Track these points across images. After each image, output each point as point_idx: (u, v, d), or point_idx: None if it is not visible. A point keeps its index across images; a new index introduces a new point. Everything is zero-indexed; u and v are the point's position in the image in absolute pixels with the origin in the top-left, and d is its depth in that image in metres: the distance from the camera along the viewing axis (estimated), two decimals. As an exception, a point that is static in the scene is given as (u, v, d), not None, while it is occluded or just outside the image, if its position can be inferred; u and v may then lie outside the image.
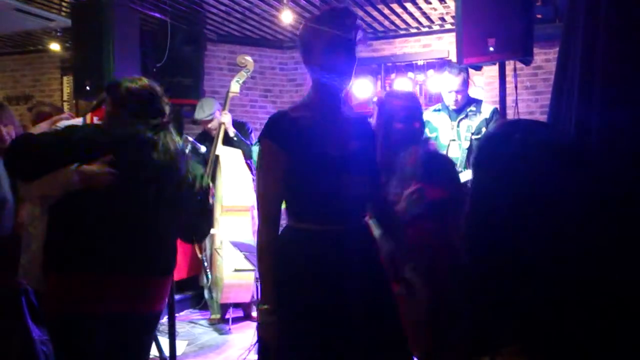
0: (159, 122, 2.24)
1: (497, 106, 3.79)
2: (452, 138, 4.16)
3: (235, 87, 4.91)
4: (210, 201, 2.40)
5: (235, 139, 4.88)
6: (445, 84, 4.18)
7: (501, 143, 1.00)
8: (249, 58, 4.95)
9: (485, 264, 0.96)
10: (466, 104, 4.15)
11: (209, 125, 5.05)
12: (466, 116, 4.11)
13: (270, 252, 1.85)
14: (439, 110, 4.24)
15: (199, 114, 5.06)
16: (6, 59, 7.13)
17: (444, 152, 4.11)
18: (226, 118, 4.85)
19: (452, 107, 4.14)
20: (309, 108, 1.96)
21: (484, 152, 1.04)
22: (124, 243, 2.09)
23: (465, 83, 4.09)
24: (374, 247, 2.04)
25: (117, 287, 2.07)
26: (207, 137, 5.03)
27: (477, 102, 4.21)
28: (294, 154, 1.86)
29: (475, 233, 0.99)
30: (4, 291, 1.62)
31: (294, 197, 1.91)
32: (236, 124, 4.96)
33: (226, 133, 4.85)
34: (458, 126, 4.16)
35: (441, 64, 5.98)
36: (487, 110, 4.14)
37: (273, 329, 1.84)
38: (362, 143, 1.99)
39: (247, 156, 4.86)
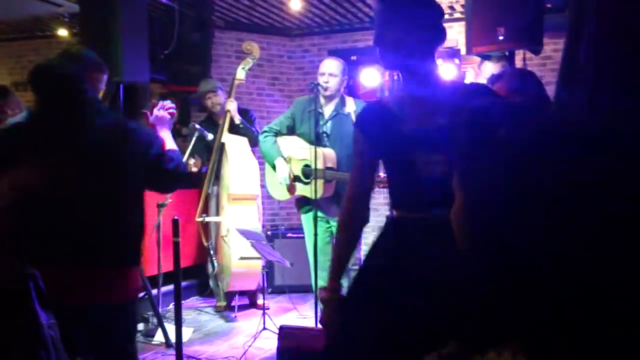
0: (79, 104, 2.11)
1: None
2: None
3: (240, 74, 4.90)
4: (172, 164, 2.25)
5: (241, 126, 4.88)
6: (484, 71, 4.09)
7: (483, 148, 0.96)
8: (255, 45, 4.93)
9: (485, 261, 0.95)
10: None
11: (212, 106, 5.06)
12: None
13: (341, 230, 1.96)
14: None
15: (203, 87, 5.13)
16: (13, 44, 7.13)
17: None
18: (232, 105, 4.85)
19: None
20: (398, 93, 1.98)
21: (466, 152, 1.00)
22: (73, 235, 2.04)
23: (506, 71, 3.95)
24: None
25: (71, 279, 2.02)
26: (213, 125, 5.03)
27: None
28: (373, 138, 1.89)
29: (474, 229, 0.97)
30: (11, 275, 1.63)
31: (388, 182, 1.97)
32: (240, 111, 4.95)
33: (232, 121, 4.85)
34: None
35: (450, 53, 5.94)
36: None
37: (331, 308, 1.90)
38: (450, 118, 1.74)
39: (253, 143, 4.86)
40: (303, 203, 4.18)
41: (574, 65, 1.01)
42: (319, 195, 3.84)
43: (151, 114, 2.63)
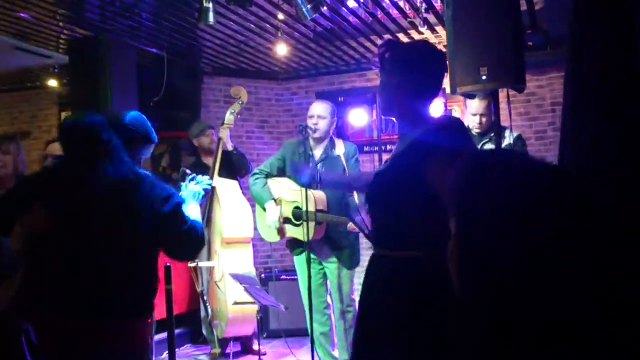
0: (95, 153, 2.13)
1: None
2: None
3: (229, 118, 4.96)
4: (185, 225, 2.21)
5: (234, 152, 4.92)
6: (470, 107, 4.16)
7: (479, 184, 0.98)
8: (242, 89, 5.01)
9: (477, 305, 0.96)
10: (490, 129, 4.09)
11: (206, 144, 5.10)
12: (489, 140, 4.07)
13: None
14: None
15: (195, 130, 5.23)
16: (3, 95, 7.18)
17: None
18: (224, 133, 4.88)
19: (476, 130, 4.09)
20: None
21: (463, 195, 1.02)
22: (77, 287, 2.03)
23: (491, 107, 3.99)
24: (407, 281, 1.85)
25: (76, 331, 2.00)
26: (202, 168, 5.05)
27: (502, 128, 4.11)
28: None
29: (467, 279, 0.99)
30: (4, 330, 1.61)
31: None
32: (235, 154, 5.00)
33: (224, 154, 4.89)
34: (481, 149, 4.10)
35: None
36: (510, 136, 4.07)
37: None
38: (404, 160, 1.91)
39: (245, 172, 4.89)
40: (295, 245, 4.17)
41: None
42: (310, 237, 3.84)
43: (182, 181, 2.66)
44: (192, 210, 2.40)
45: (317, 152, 4.17)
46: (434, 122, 2.01)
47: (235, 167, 4.95)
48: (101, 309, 2.04)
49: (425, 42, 2.08)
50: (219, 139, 4.89)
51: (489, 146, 4.09)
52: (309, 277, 3.79)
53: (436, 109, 5.90)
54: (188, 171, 4.91)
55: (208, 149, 5.18)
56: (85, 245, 2.05)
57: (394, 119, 2.15)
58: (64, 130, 2.23)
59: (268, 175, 4.28)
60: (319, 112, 4.16)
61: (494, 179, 0.95)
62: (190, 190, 2.60)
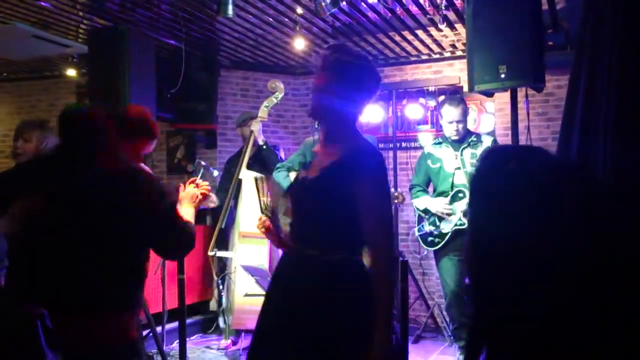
0: (92, 144, 2.10)
1: (509, 133, 3.85)
2: (457, 166, 4.33)
3: (263, 112, 4.97)
4: (178, 225, 2.17)
5: (264, 147, 4.95)
6: (445, 115, 4.41)
7: (493, 176, 0.98)
8: (280, 84, 5.00)
9: (485, 295, 0.95)
10: (467, 135, 4.39)
11: (247, 135, 5.16)
12: (468, 145, 4.36)
13: None
14: (439, 143, 4.51)
15: (238, 121, 5.34)
16: (23, 84, 7.25)
17: (450, 181, 4.30)
18: (256, 126, 4.91)
19: (454, 137, 4.36)
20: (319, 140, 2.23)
21: (476, 186, 1.02)
22: (66, 278, 2.00)
23: (465, 114, 4.36)
24: (340, 286, 1.96)
25: (64, 324, 1.91)
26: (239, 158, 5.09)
27: (477, 135, 4.48)
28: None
29: (476, 265, 0.98)
30: (18, 315, 1.63)
31: None
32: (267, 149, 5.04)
33: (257, 149, 4.93)
34: (462, 155, 4.33)
35: (452, 90, 6.02)
36: (487, 140, 4.39)
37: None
38: (326, 174, 2.02)
39: (274, 166, 4.93)
40: None
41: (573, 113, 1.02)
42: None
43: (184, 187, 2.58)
44: (186, 212, 2.38)
45: None
46: (364, 141, 2.10)
47: (265, 162, 4.97)
48: (91, 301, 2.01)
49: (367, 58, 2.12)
50: (251, 132, 4.91)
51: (469, 150, 4.29)
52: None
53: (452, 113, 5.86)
54: (203, 163, 4.97)
55: (243, 143, 5.20)
56: (76, 236, 2.02)
57: (317, 122, 2.22)
58: (63, 118, 2.19)
59: (290, 169, 4.42)
60: None
61: (509, 170, 0.94)
62: (189, 192, 2.54)
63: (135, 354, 2.13)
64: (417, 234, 4.60)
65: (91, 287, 2.01)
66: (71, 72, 6.58)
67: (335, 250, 1.98)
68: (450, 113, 4.35)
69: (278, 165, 4.55)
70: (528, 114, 3.73)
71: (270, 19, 5.07)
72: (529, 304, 0.86)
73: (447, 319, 5.08)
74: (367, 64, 2.09)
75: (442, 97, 6.11)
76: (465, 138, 4.37)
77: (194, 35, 5.41)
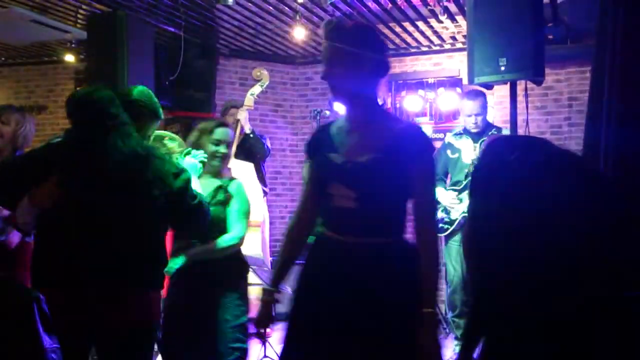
0: (105, 127, 2.13)
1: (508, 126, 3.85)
2: (474, 158, 4.37)
3: (249, 100, 4.94)
4: (195, 200, 2.23)
5: (251, 135, 4.91)
6: (464, 108, 4.48)
7: (496, 166, 0.97)
8: (264, 71, 4.96)
9: (484, 283, 0.95)
10: (487, 128, 4.43)
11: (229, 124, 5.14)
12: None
13: (286, 236, 2.15)
14: (460, 134, 4.57)
15: (227, 104, 5.25)
16: (21, 69, 7.21)
17: (465, 171, 4.36)
18: (242, 115, 4.87)
19: (473, 129, 4.41)
20: (342, 122, 2.09)
21: (480, 176, 1.01)
22: (91, 258, 2.05)
23: (484, 107, 4.39)
24: (399, 269, 1.90)
25: (86, 300, 2.04)
26: None
27: (498, 128, 4.51)
28: (314, 162, 2.09)
29: (475, 256, 0.98)
30: (15, 298, 1.63)
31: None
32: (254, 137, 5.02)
33: (244, 137, 4.90)
34: (480, 147, 4.38)
35: (452, 82, 6.01)
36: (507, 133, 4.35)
37: (265, 307, 2.13)
38: (382, 156, 1.92)
39: (261, 156, 4.91)
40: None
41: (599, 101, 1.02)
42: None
43: None
44: (195, 185, 2.42)
45: None
46: (410, 123, 2.09)
47: (251, 150, 4.94)
48: (115, 280, 2.07)
49: (368, 27, 2.11)
50: (237, 120, 4.88)
51: None
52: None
53: (452, 100, 5.86)
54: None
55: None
56: (99, 217, 2.07)
57: (342, 104, 2.10)
58: (74, 103, 2.22)
59: None
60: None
61: (511, 160, 0.94)
62: (188, 164, 2.60)
63: (156, 330, 2.27)
64: None
65: (119, 265, 2.08)
66: (69, 58, 6.54)
67: (391, 234, 1.95)
68: (468, 106, 4.40)
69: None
70: (527, 107, 3.72)
71: (270, 8, 5.05)
72: (529, 294, 0.86)
73: (444, 310, 5.10)
74: (366, 26, 2.08)
75: (441, 89, 6.10)
76: (485, 131, 4.40)
77: (193, 23, 5.38)
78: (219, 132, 2.98)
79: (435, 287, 1.87)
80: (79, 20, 5.29)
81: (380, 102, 2.07)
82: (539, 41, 3.41)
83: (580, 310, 0.85)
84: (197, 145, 2.91)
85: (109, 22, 4.61)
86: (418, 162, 1.90)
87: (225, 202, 2.96)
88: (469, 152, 4.42)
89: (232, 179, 3.12)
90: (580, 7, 4.68)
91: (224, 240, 2.90)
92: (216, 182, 2.98)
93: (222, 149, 2.97)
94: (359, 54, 1.95)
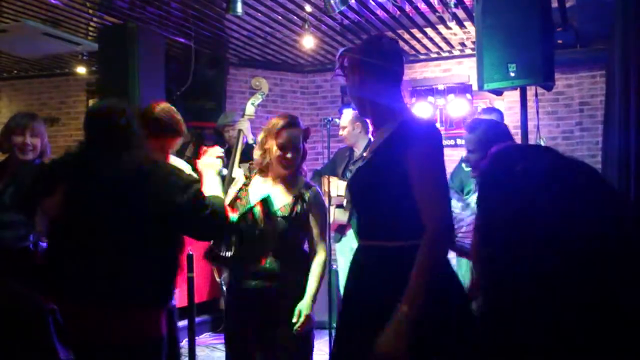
0: (110, 140, 2.11)
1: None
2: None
3: (250, 109, 4.95)
4: (207, 211, 2.14)
5: (254, 145, 4.93)
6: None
7: (501, 178, 0.96)
8: (263, 80, 4.97)
9: (496, 296, 0.95)
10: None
11: (229, 138, 5.15)
12: None
13: None
14: None
15: (222, 120, 5.25)
16: (33, 81, 7.29)
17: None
18: (244, 125, 4.88)
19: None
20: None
21: (485, 186, 1.00)
22: (91, 274, 2.01)
23: (499, 115, 4.44)
24: (391, 270, 1.85)
25: (85, 317, 1.98)
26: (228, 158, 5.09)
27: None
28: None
29: (486, 265, 0.97)
30: (31, 310, 1.64)
31: None
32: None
33: (246, 146, 4.91)
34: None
35: (462, 88, 6.00)
36: None
37: None
38: (372, 156, 1.95)
39: None
40: (339, 231, 4.48)
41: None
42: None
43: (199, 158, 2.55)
44: (212, 185, 2.35)
45: (357, 152, 4.55)
46: (410, 116, 2.00)
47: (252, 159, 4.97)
48: (114, 296, 2.02)
49: (375, 36, 2.14)
50: (239, 130, 4.89)
51: None
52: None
53: (462, 106, 5.85)
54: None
55: (230, 145, 5.21)
56: (99, 232, 2.04)
57: (369, 120, 2.17)
58: (86, 116, 2.25)
59: (321, 174, 4.59)
60: (341, 123, 4.70)
61: (517, 172, 0.93)
62: (206, 162, 2.49)
63: (161, 350, 2.14)
64: None
65: (118, 281, 2.02)
66: (81, 70, 6.61)
67: (398, 237, 1.84)
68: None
69: (314, 172, 4.70)
70: (538, 112, 3.71)
71: (279, 17, 5.07)
72: (542, 305, 0.86)
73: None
74: (373, 39, 2.10)
75: (451, 96, 6.09)
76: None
77: (203, 34, 5.42)
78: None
79: (418, 287, 1.72)
80: (90, 33, 5.34)
81: (403, 105, 2.03)
82: (549, 46, 3.40)
83: (587, 324, 0.84)
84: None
85: (120, 34, 4.66)
86: (411, 155, 1.81)
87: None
88: None
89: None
90: (589, 12, 4.66)
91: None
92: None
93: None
94: (365, 72, 1.97)
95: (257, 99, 4.96)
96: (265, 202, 2.59)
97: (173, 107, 2.52)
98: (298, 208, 2.60)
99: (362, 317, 1.88)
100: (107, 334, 2.01)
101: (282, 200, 2.63)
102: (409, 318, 1.69)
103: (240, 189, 2.76)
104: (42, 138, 3.22)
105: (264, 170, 2.73)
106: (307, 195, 2.64)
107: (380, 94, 1.97)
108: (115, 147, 2.10)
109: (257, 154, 2.77)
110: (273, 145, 2.63)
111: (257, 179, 2.78)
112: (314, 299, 2.55)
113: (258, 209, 2.58)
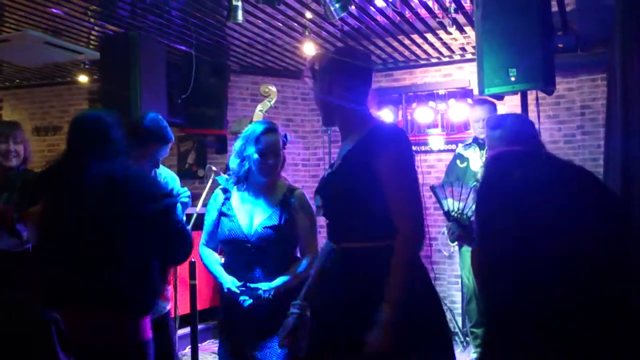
0: (85, 148, 2.11)
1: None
2: (482, 165, 4.42)
3: (258, 116, 4.97)
4: (178, 225, 2.14)
5: None
6: (473, 114, 4.63)
7: (500, 184, 0.96)
8: (272, 87, 5.00)
9: (497, 300, 0.94)
10: None
11: None
12: None
13: None
14: (469, 144, 4.64)
15: (236, 127, 5.32)
16: (35, 90, 7.31)
17: (474, 178, 4.41)
18: None
19: (482, 135, 4.42)
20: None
21: (482, 193, 0.99)
22: (67, 281, 2.03)
23: (493, 112, 4.42)
24: (355, 272, 1.91)
25: (68, 325, 1.96)
26: None
27: None
28: None
29: (486, 270, 0.97)
30: (33, 319, 1.64)
31: None
32: None
33: None
34: (486, 154, 4.41)
35: (463, 93, 6.00)
36: None
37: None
38: (341, 162, 1.99)
39: None
40: None
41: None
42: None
43: None
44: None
45: None
46: (378, 123, 2.05)
47: None
48: (90, 304, 2.02)
49: (349, 46, 2.19)
50: None
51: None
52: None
53: (463, 111, 5.85)
54: (214, 168, 4.99)
55: None
56: (75, 241, 2.05)
57: (335, 127, 2.18)
58: (69, 125, 2.26)
59: None
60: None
61: (515, 178, 0.93)
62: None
63: (147, 354, 2.13)
64: (444, 229, 4.79)
65: (94, 289, 2.03)
66: (83, 79, 6.63)
67: (374, 238, 1.89)
68: (476, 112, 4.56)
69: None
70: (539, 116, 3.71)
71: (280, 24, 5.09)
72: (542, 307, 0.86)
73: (460, 323, 5.06)
74: (346, 49, 2.16)
75: (452, 100, 6.10)
76: None
77: (204, 41, 5.44)
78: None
79: (397, 288, 1.77)
80: (91, 42, 5.36)
81: (367, 109, 2.08)
82: (549, 50, 3.41)
83: (587, 333, 0.84)
84: None
85: (122, 43, 4.68)
86: (382, 160, 1.85)
87: None
88: (476, 160, 4.49)
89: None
90: (589, 16, 4.67)
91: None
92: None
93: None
94: (335, 81, 2.02)
95: (266, 106, 4.97)
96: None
97: (160, 117, 2.61)
98: (284, 216, 2.55)
99: (330, 318, 1.95)
100: (88, 337, 2.00)
101: (266, 211, 2.57)
102: (392, 318, 1.76)
103: (223, 204, 2.66)
104: (26, 145, 3.34)
105: (241, 181, 2.62)
106: (292, 200, 2.60)
107: (349, 100, 2.00)
108: (92, 155, 2.11)
109: (234, 162, 2.62)
110: (253, 152, 2.55)
111: (236, 195, 2.67)
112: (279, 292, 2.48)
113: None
